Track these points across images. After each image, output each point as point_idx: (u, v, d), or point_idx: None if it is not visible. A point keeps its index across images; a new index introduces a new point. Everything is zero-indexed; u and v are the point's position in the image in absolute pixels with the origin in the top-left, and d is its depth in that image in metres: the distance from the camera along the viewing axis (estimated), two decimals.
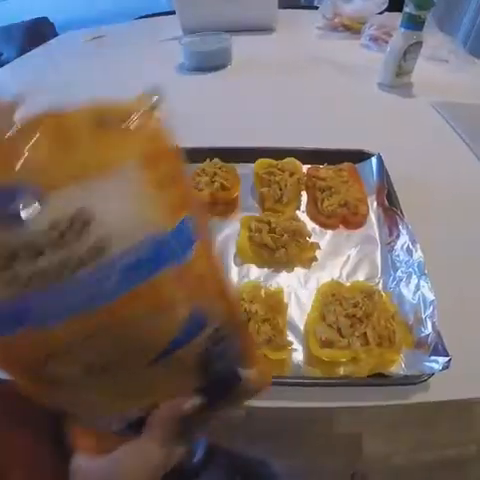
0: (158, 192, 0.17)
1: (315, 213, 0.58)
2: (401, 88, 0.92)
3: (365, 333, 0.42)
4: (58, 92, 0.90)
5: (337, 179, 0.59)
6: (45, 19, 2.14)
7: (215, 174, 0.60)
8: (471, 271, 0.51)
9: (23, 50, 1.42)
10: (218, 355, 0.21)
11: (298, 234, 0.51)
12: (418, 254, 0.47)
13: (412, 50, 0.85)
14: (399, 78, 0.90)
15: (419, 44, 0.84)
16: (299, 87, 0.97)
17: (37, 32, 1.98)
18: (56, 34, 1.65)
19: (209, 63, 1.04)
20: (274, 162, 0.61)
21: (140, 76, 1.08)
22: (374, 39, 1.10)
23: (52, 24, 2.16)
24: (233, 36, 1.05)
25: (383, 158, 0.63)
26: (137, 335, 0.18)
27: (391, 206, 0.56)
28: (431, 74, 0.97)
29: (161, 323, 0.18)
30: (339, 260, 0.53)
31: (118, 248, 0.16)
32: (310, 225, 0.57)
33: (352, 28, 1.21)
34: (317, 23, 1.27)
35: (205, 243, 0.19)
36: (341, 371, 0.42)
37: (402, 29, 0.83)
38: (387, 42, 1.07)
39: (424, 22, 0.81)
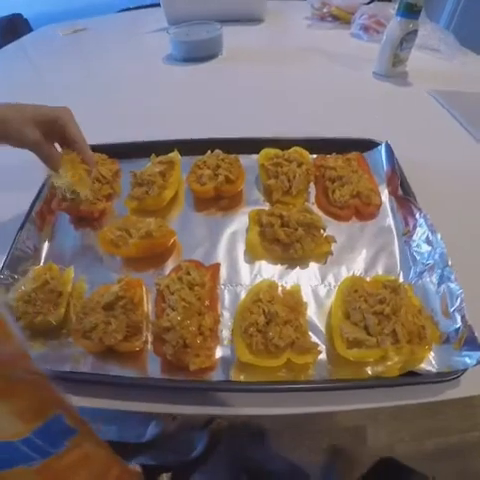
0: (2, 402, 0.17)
1: (326, 204, 0.55)
2: (396, 77, 0.90)
3: (394, 330, 0.39)
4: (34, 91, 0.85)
5: (347, 169, 0.56)
6: (19, 15, 2.04)
7: (218, 166, 0.56)
8: None
9: None
10: None
11: (313, 227, 0.48)
12: (439, 244, 0.45)
13: (408, 39, 0.83)
14: (395, 67, 0.88)
15: (415, 32, 0.82)
16: (293, 77, 0.95)
17: (10, 29, 1.88)
18: (31, 31, 1.56)
19: (200, 53, 1.00)
20: (280, 152, 0.58)
21: (126, 70, 1.03)
22: (365, 28, 1.08)
23: (26, 20, 2.06)
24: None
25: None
26: None
27: (405, 195, 0.53)
28: (424, 63, 0.96)
29: None
30: (355, 253, 0.50)
31: None
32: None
33: (341, 18, 1.19)
34: (305, 13, 1.25)
35: (83, 432, 0.21)
36: (369, 371, 0.39)
37: (398, 17, 0.81)
38: (378, 32, 1.06)
39: (420, 10, 0.79)
